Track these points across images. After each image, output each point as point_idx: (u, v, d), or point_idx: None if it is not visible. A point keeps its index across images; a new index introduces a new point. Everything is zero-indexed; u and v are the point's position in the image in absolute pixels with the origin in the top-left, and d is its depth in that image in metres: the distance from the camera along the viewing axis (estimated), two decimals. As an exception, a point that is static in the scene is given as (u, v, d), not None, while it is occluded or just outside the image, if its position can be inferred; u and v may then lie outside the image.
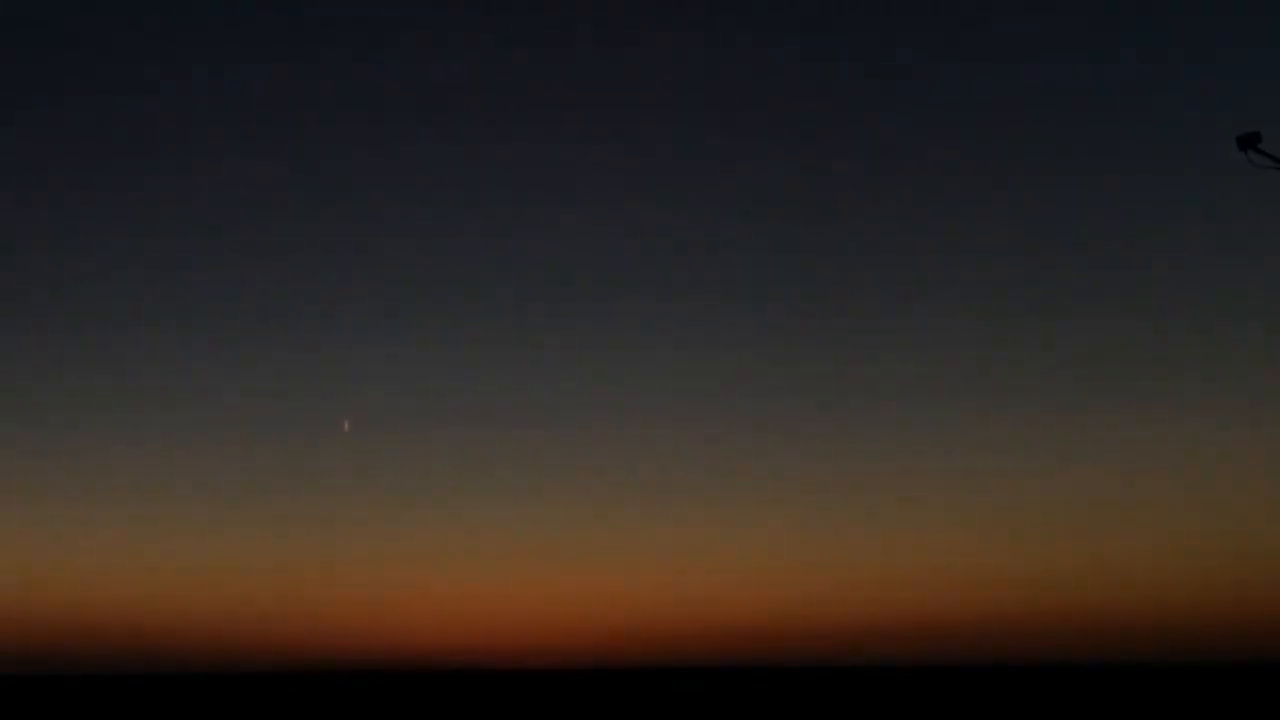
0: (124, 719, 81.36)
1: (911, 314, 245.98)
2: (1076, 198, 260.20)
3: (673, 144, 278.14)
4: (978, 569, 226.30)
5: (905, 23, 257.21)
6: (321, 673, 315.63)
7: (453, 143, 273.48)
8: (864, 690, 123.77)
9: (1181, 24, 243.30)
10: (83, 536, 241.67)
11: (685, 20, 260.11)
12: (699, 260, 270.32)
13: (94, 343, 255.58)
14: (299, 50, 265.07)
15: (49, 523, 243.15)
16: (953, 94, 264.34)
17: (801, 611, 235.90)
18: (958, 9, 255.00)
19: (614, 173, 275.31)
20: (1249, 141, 21.96)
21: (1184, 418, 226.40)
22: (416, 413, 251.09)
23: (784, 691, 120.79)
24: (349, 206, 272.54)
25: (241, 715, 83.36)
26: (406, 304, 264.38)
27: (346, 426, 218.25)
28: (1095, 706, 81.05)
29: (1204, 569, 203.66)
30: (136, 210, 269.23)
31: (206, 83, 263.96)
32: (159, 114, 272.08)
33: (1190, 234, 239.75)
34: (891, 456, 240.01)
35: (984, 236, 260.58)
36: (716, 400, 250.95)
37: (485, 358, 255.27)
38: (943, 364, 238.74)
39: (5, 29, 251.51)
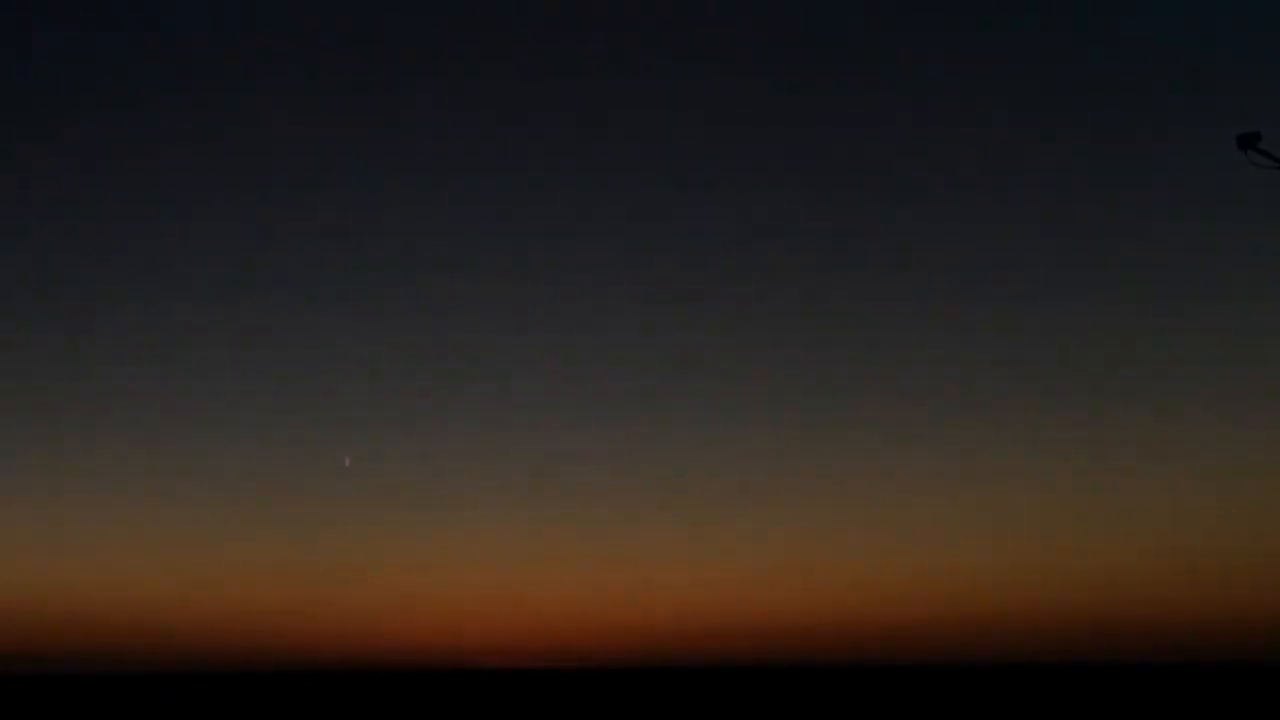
0: (130, 719, 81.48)
1: (916, 314, 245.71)
2: (1080, 199, 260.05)
3: (675, 131, 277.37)
4: (978, 569, 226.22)
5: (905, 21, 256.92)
6: (323, 673, 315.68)
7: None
8: (864, 690, 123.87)
9: (1182, 23, 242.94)
10: (90, 536, 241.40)
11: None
12: (700, 256, 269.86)
13: (104, 344, 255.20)
14: (303, 77, 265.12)
15: (59, 524, 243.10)
16: (962, 94, 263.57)
17: (801, 611, 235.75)
18: (955, 6, 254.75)
19: (612, 167, 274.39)
20: (1249, 141, 22.01)
21: (1185, 418, 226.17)
22: (418, 417, 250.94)
23: (784, 691, 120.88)
24: (352, 226, 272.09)
25: (246, 715, 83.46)
26: (405, 307, 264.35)
27: (347, 462, 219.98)
28: (1095, 706, 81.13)
29: (1206, 569, 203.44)
30: (159, 215, 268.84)
31: (221, 114, 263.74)
32: (173, 139, 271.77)
33: (1190, 235, 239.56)
34: (892, 457, 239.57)
35: (989, 242, 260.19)
36: (717, 400, 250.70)
37: (484, 360, 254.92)
38: (946, 365, 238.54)
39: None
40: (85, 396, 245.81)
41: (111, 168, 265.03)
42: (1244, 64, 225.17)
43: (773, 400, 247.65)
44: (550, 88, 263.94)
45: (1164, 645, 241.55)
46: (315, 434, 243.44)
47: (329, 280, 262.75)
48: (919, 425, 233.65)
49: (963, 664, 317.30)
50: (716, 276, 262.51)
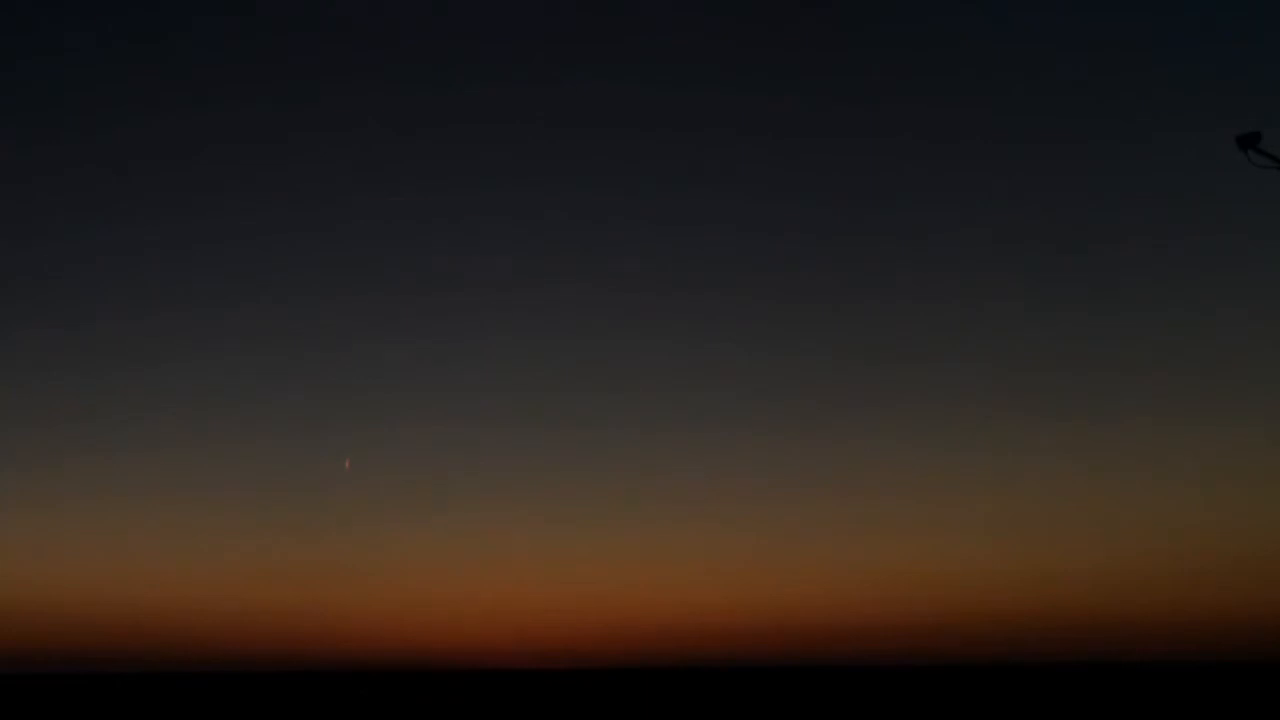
0: (134, 718, 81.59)
1: (913, 314, 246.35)
2: (1083, 201, 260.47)
3: (679, 128, 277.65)
4: (978, 569, 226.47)
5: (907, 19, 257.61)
6: (323, 673, 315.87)
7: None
8: (864, 690, 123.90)
9: (1182, 23, 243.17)
10: (90, 536, 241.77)
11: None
12: (690, 254, 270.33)
13: (106, 344, 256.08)
14: (303, 77, 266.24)
15: (60, 524, 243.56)
16: (962, 95, 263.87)
17: (799, 612, 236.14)
18: (956, 7, 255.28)
19: (599, 168, 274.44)
20: (1249, 141, 22.09)
21: (1185, 419, 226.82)
22: (418, 417, 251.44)
23: (782, 692, 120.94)
24: (352, 226, 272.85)
25: (246, 715, 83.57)
26: (406, 308, 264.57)
27: (348, 464, 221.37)
28: (1095, 706, 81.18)
29: (1204, 569, 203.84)
30: (160, 217, 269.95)
31: (233, 117, 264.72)
32: (174, 139, 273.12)
33: (1190, 237, 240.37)
34: (890, 457, 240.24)
35: (991, 240, 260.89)
36: (714, 400, 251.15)
37: (485, 360, 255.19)
38: (944, 365, 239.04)
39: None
40: (85, 397, 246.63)
41: (114, 169, 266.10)
42: (1244, 64, 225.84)
43: (774, 402, 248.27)
44: (558, 92, 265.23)
45: (1163, 645, 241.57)
46: (315, 434, 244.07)
47: (330, 281, 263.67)
48: (917, 425, 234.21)
49: (962, 664, 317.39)
50: (717, 278, 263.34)
